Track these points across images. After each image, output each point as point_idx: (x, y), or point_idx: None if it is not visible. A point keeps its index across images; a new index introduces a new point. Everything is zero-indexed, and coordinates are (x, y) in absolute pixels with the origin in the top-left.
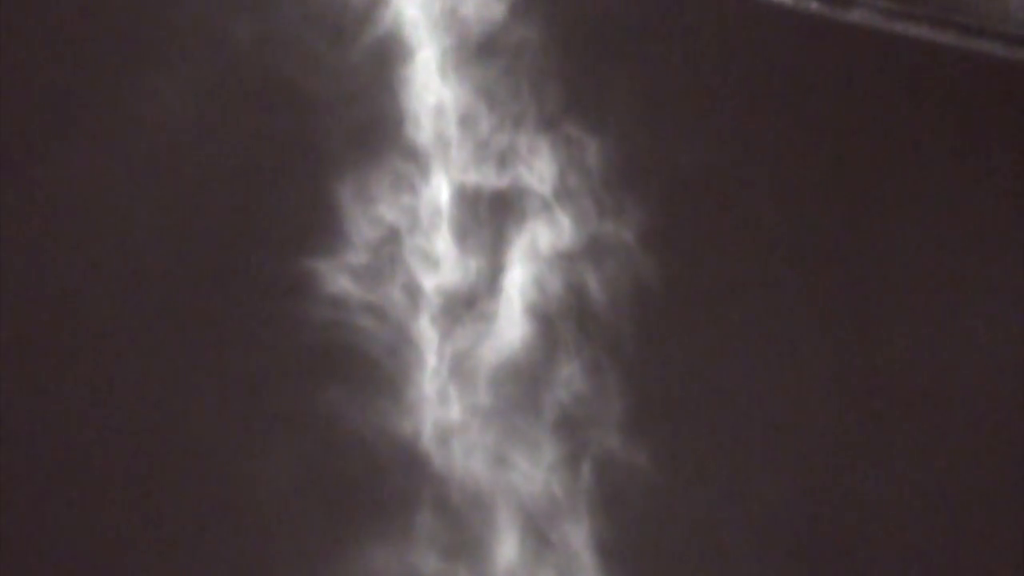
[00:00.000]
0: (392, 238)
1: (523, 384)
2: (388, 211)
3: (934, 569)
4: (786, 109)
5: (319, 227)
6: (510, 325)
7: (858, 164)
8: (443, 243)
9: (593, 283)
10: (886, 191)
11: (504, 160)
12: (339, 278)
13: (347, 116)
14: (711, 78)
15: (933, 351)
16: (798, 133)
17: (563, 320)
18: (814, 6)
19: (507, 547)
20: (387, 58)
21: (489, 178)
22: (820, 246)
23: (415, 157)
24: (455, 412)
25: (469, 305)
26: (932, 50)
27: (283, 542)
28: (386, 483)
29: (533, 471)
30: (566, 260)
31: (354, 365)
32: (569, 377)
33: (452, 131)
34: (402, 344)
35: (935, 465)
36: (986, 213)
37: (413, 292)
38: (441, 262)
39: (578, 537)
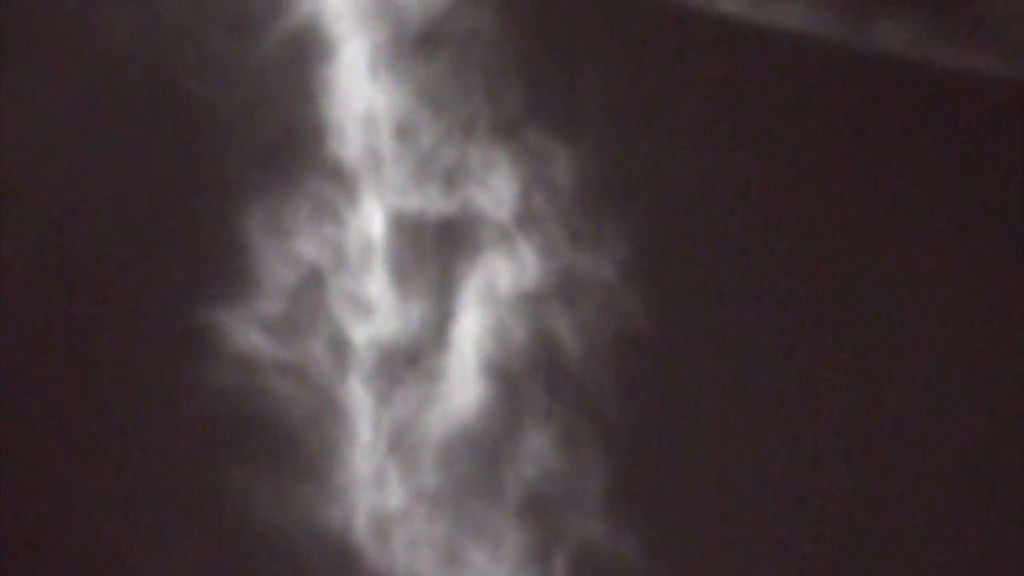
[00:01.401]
0: (313, 280)
1: (480, 460)
2: (307, 246)
3: None
4: (795, 115)
5: (221, 268)
6: (462, 386)
7: (871, 172)
8: (377, 285)
9: (565, 331)
10: (899, 205)
11: (452, 179)
12: (248, 331)
13: (253, 129)
14: (704, 72)
15: (949, 398)
16: (810, 139)
17: (528, 378)
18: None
19: None
20: (303, 56)
21: (434, 202)
22: (833, 277)
23: (340, 178)
24: (395, 497)
25: (411, 362)
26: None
27: None
28: None
29: (494, 569)
30: (531, 302)
31: (268, 440)
32: (537, 450)
33: (386, 144)
34: (327, 413)
35: (947, 521)
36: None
37: (340, 347)
38: (375, 309)
39: None
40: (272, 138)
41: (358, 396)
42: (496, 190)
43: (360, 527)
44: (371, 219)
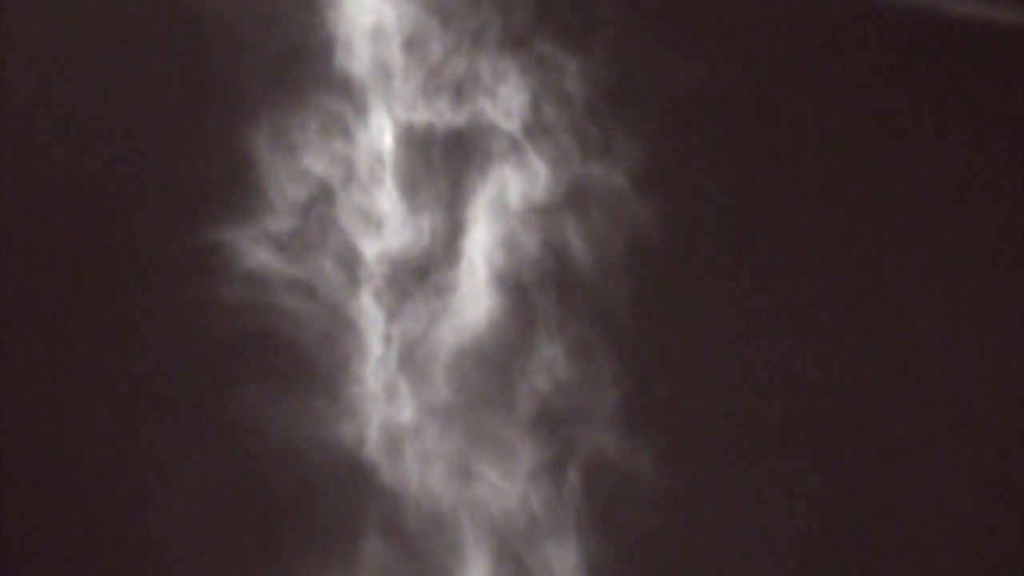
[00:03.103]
0: (322, 196)
1: (492, 373)
2: (316, 162)
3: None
4: (809, 18)
5: (230, 187)
6: (474, 299)
7: (882, 94)
8: (387, 199)
9: (577, 242)
10: (909, 129)
11: (461, 91)
12: (257, 250)
13: (261, 44)
14: None
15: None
16: (822, 47)
17: (540, 290)
18: None
19: None
20: None
21: (443, 115)
22: (851, 180)
23: (349, 92)
24: (407, 412)
25: (421, 276)
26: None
27: None
28: (323, 503)
29: (506, 483)
30: (542, 214)
31: (279, 357)
32: (550, 362)
33: (395, 57)
34: (339, 328)
35: (951, 465)
36: None
37: (351, 263)
38: (385, 223)
39: (564, 562)
40: (280, 53)
41: (369, 311)
42: (506, 101)
43: (372, 442)
44: (380, 133)
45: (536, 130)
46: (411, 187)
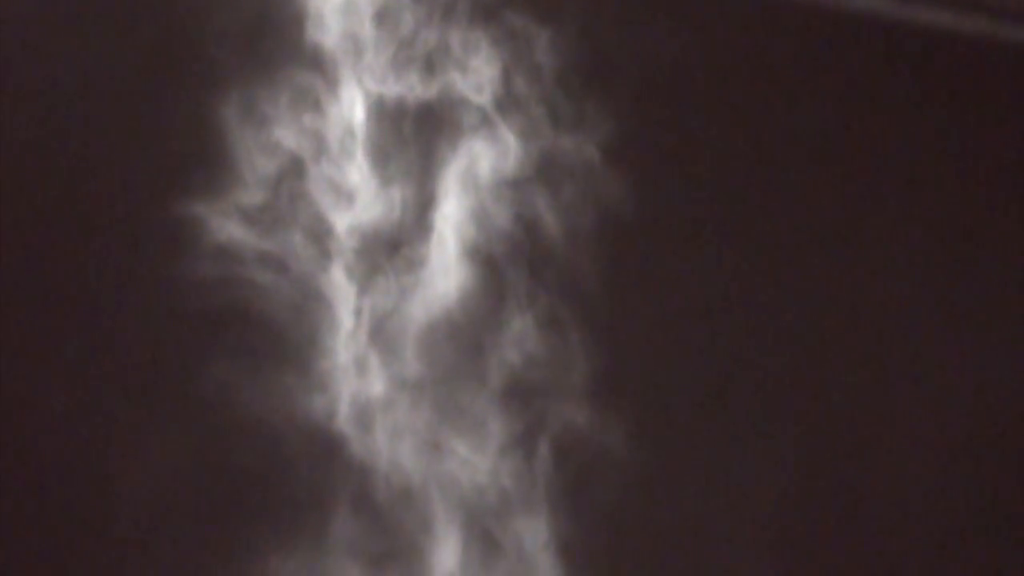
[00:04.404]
0: (293, 169)
1: (463, 347)
2: (286, 135)
3: (934, 559)
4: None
5: (199, 160)
6: (444, 272)
7: (863, 72)
8: (357, 172)
9: (548, 214)
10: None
11: (432, 63)
12: (226, 223)
13: (230, 16)
14: None
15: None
16: (800, 19)
17: (511, 263)
18: None
19: (446, 553)
20: None
21: (414, 87)
22: (821, 154)
23: (319, 65)
24: (378, 386)
25: (392, 249)
26: None
27: (163, 555)
28: (293, 477)
29: (477, 457)
30: (513, 187)
31: (249, 331)
32: (520, 335)
33: (366, 30)
34: (309, 302)
35: (937, 451)
36: None
37: (321, 236)
38: (356, 196)
39: (535, 538)
40: (250, 26)
41: (340, 284)
42: (477, 74)
43: (342, 416)
44: (351, 106)
45: (507, 103)
46: (382, 160)
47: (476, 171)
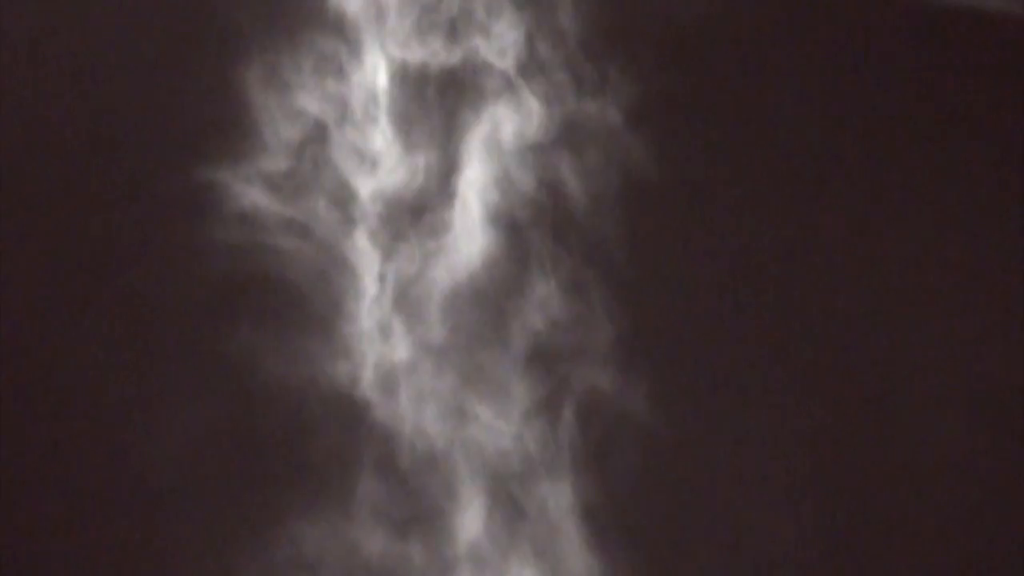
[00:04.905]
0: (316, 135)
1: (486, 312)
2: (310, 101)
3: (950, 514)
4: None
5: (223, 127)
6: (468, 237)
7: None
8: (381, 138)
9: (572, 179)
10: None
11: (455, 29)
12: (250, 190)
13: None
14: None
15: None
16: None
17: (535, 228)
18: None
19: (470, 518)
20: None
21: (437, 53)
22: (844, 115)
23: (342, 31)
24: (402, 351)
25: (416, 215)
26: None
27: (189, 519)
28: (317, 443)
29: (501, 422)
30: (537, 151)
31: (273, 297)
32: (544, 300)
33: None
34: (333, 268)
35: (947, 399)
36: None
37: (345, 202)
38: (379, 162)
39: (559, 502)
40: None
41: (364, 250)
42: (500, 39)
43: (366, 382)
44: (375, 71)
45: (530, 68)
46: (405, 126)
47: (499, 136)
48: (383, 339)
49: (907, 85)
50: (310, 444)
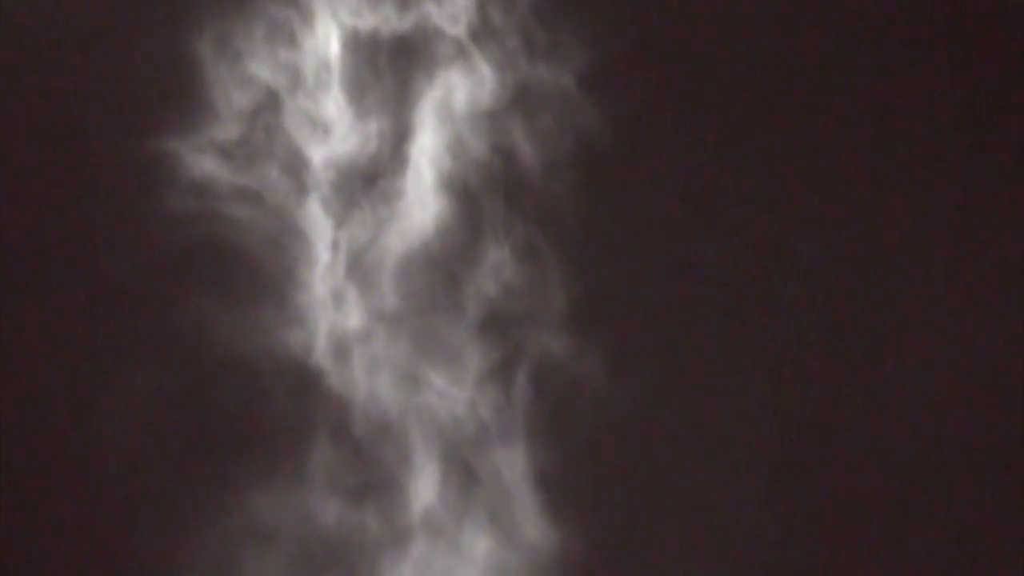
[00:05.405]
0: (268, 103)
1: (439, 278)
2: (261, 69)
3: (926, 486)
4: None
5: (174, 95)
6: (421, 204)
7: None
8: (333, 105)
9: (524, 144)
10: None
11: None
12: (202, 159)
13: None
14: None
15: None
16: None
17: (487, 193)
18: None
19: (424, 485)
20: None
21: (389, 20)
22: (804, 79)
23: None
24: (355, 318)
25: (369, 181)
26: None
27: (144, 488)
28: (271, 411)
29: (454, 388)
30: (489, 117)
31: (226, 265)
32: (497, 265)
33: None
34: (286, 236)
35: (925, 379)
36: None
37: (297, 169)
38: (332, 129)
39: (513, 468)
40: None
41: (316, 218)
42: (451, 4)
43: (320, 350)
44: (326, 39)
45: (482, 33)
46: (357, 93)
47: (452, 102)
48: (336, 307)
49: (877, 40)
50: (263, 412)
